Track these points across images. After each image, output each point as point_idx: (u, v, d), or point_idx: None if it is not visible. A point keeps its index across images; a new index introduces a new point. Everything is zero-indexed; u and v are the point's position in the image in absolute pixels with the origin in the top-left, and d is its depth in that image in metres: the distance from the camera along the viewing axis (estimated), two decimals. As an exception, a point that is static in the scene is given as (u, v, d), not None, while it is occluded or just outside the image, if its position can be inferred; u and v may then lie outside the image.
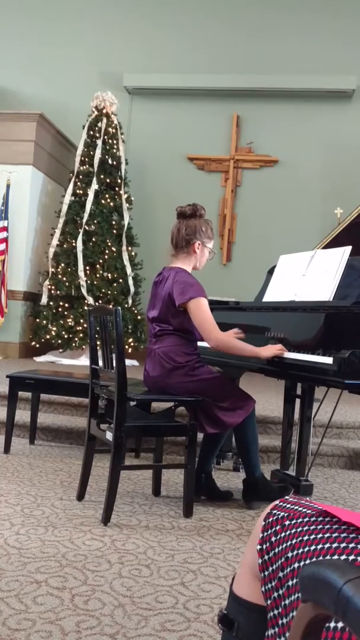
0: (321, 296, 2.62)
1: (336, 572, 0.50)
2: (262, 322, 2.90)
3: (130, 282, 6.69)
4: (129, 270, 6.70)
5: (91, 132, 6.91)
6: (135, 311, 6.75)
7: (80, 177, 6.84)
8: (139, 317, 6.74)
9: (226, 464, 3.50)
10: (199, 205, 2.81)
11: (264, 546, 0.87)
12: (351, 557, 0.71)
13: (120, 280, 6.66)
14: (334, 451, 3.65)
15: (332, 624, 0.65)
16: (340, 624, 0.64)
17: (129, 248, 6.83)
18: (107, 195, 6.77)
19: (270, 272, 3.28)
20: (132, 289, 6.70)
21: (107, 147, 6.88)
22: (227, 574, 2.00)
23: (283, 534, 0.84)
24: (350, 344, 2.29)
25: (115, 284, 6.63)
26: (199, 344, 2.83)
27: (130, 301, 6.68)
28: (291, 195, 7.67)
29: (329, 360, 2.26)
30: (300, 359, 2.44)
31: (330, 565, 0.52)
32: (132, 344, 6.61)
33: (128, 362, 6.26)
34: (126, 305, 6.59)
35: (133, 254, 6.89)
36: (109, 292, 6.54)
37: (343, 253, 2.66)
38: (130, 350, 6.57)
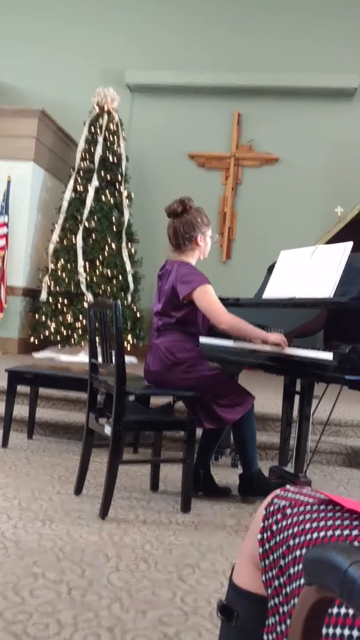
0: (322, 292, 2.61)
1: (342, 554, 0.49)
2: (262, 319, 2.89)
3: (130, 279, 6.67)
4: (128, 267, 6.68)
5: (92, 129, 6.89)
6: (135, 308, 6.73)
7: (81, 173, 6.82)
8: (138, 314, 6.73)
9: (224, 460, 3.49)
10: (185, 199, 2.75)
11: (265, 535, 0.86)
12: (355, 544, 0.70)
13: (120, 277, 6.64)
14: (332, 449, 3.65)
15: (335, 610, 0.64)
16: (342, 610, 0.63)
17: (129, 245, 6.81)
18: (107, 192, 6.75)
19: (270, 269, 3.27)
20: (131, 286, 6.68)
21: (108, 144, 6.86)
22: (225, 569, 1.99)
23: (284, 522, 0.83)
24: (351, 339, 2.28)
25: (114, 281, 6.61)
26: (201, 339, 2.82)
27: (129, 298, 6.67)
28: (292, 194, 7.65)
29: (329, 355, 2.26)
30: (301, 355, 2.43)
31: (335, 548, 0.51)
32: (130, 341, 6.60)
33: (127, 359, 6.24)
34: (125, 303, 6.58)
35: (133, 251, 6.87)
36: (109, 289, 6.53)
37: (344, 249, 2.65)
38: (129, 347, 6.56)
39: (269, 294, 3.04)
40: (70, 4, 8.14)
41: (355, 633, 0.61)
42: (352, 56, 7.52)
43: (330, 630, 0.63)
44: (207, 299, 2.58)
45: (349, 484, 3.25)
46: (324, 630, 0.62)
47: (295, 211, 7.57)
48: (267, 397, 4.56)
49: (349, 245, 2.64)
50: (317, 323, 2.55)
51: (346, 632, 0.61)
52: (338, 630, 0.62)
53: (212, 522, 2.46)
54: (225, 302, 3.33)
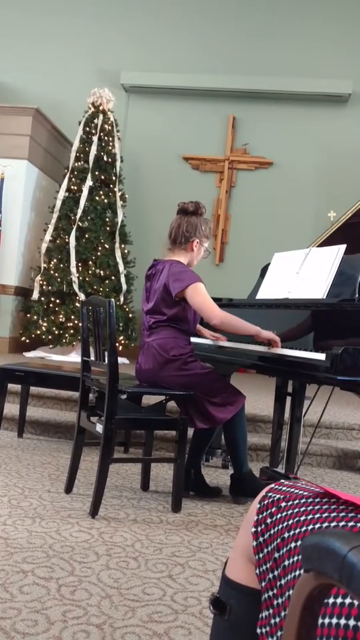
0: (315, 294, 2.62)
1: (340, 540, 0.49)
2: (255, 319, 2.89)
3: (123, 279, 6.66)
4: (121, 267, 6.67)
5: (87, 129, 6.87)
6: (127, 309, 6.72)
7: (75, 173, 6.80)
8: (130, 315, 6.72)
9: (215, 461, 3.49)
10: (201, 203, 2.88)
11: (259, 528, 0.86)
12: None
13: (113, 278, 6.63)
14: (322, 451, 3.66)
15: (331, 600, 0.64)
16: (338, 600, 0.63)
17: (122, 245, 6.81)
18: (101, 192, 6.74)
19: (263, 272, 3.28)
20: (124, 286, 6.67)
21: (103, 144, 6.85)
22: (216, 568, 1.99)
23: (279, 515, 0.83)
24: (343, 341, 2.29)
25: (107, 281, 6.60)
26: (192, 339, 2.83)
27: (122, 299, 6.65)
28: (285, 198, 7.68)
29: (321, 356, 2.26)
30: (293, 355, 2.44)
31: (334, 533, 0.51)
32: (122, 341, 6.58)
33: (119, 359, 6.22)
34: (118, 303, 6.56)
35: (126, 251, 6.86)
36: (101, 289, 6.51)
37: (337, 251, 2.66)
38: (120, 347, 6.54)
39: (262, 295, 3.05)
40: (68, 3, 8.13)
41: (351, 622, 0.61)
42: (347, 62, 7.58)
43: (326, 620, 0.63)
44: (199, 296, 2.62)
45: (339, 486, 3.25)
46: (319, 620, 0.62)
47: (289, 215, 7.60)
48: (258, 398, 4.57)
49: (342, 247, 2.65)
50: (309, 324, 2.56)
51: (342, 621, 0.61)
52: (334, 620, 0.62)
53: (203, 522, 2.46)
54: (219, 302, 3.34)
